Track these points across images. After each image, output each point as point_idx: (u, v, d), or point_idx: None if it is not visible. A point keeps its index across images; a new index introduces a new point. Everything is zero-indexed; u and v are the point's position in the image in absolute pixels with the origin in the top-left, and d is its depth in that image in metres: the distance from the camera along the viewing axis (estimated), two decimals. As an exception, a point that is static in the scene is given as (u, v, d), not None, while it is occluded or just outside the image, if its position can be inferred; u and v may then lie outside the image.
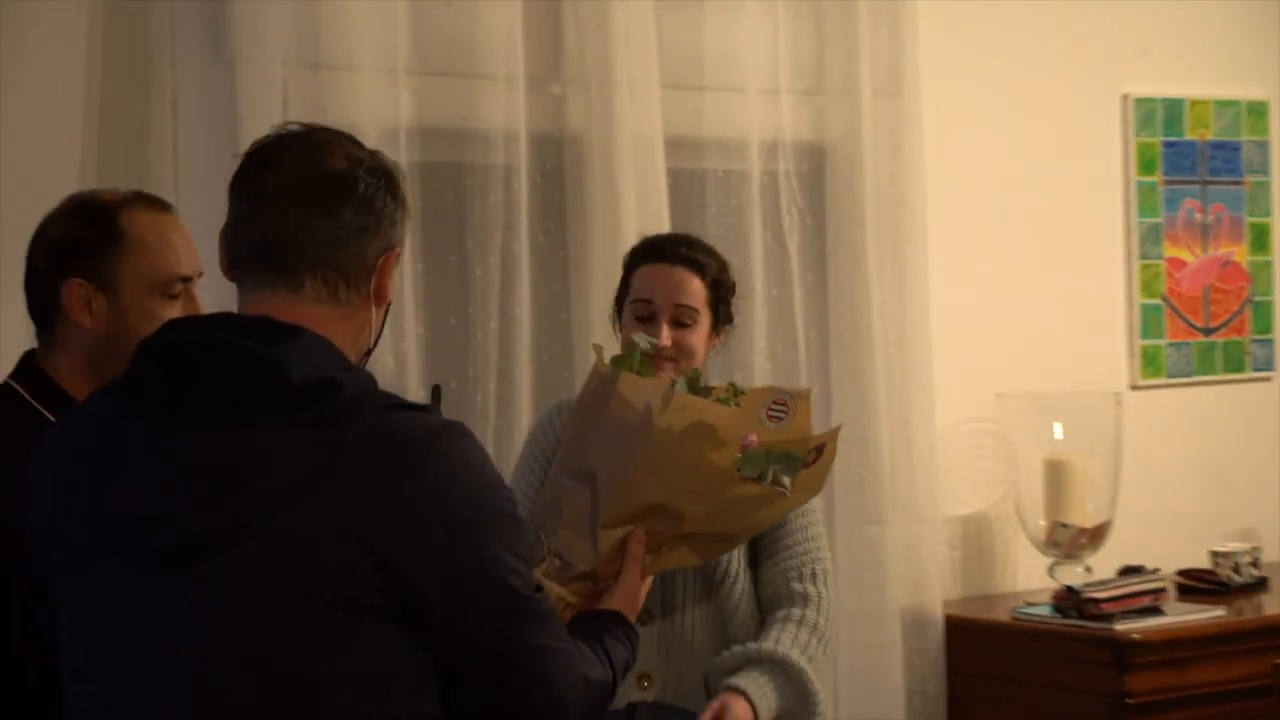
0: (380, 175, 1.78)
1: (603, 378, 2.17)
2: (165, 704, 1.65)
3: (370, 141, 3.06)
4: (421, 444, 1.67)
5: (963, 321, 3.77)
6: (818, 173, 3.59)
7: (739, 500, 2.06)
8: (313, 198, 1.73)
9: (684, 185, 3.49)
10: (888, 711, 3.48)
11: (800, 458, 2.08)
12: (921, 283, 3.60)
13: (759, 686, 2.45)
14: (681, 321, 2.60)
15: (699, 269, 2.64)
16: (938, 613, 3.58)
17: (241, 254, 1.76)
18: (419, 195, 3.12)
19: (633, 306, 2.62)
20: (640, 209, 3.31)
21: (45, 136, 2.90)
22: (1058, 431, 3.68)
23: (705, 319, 2.63)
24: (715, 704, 2.43)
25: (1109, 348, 4.01)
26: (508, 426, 3.22)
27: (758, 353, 3.47)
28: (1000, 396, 3.75)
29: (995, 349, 3.82)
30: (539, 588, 1.76)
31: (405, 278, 3.11)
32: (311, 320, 1.73)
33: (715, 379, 3.38)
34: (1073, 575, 3.61)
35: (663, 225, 3.34)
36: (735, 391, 2.16)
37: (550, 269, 3.32)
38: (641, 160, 3.31)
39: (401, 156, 3.11)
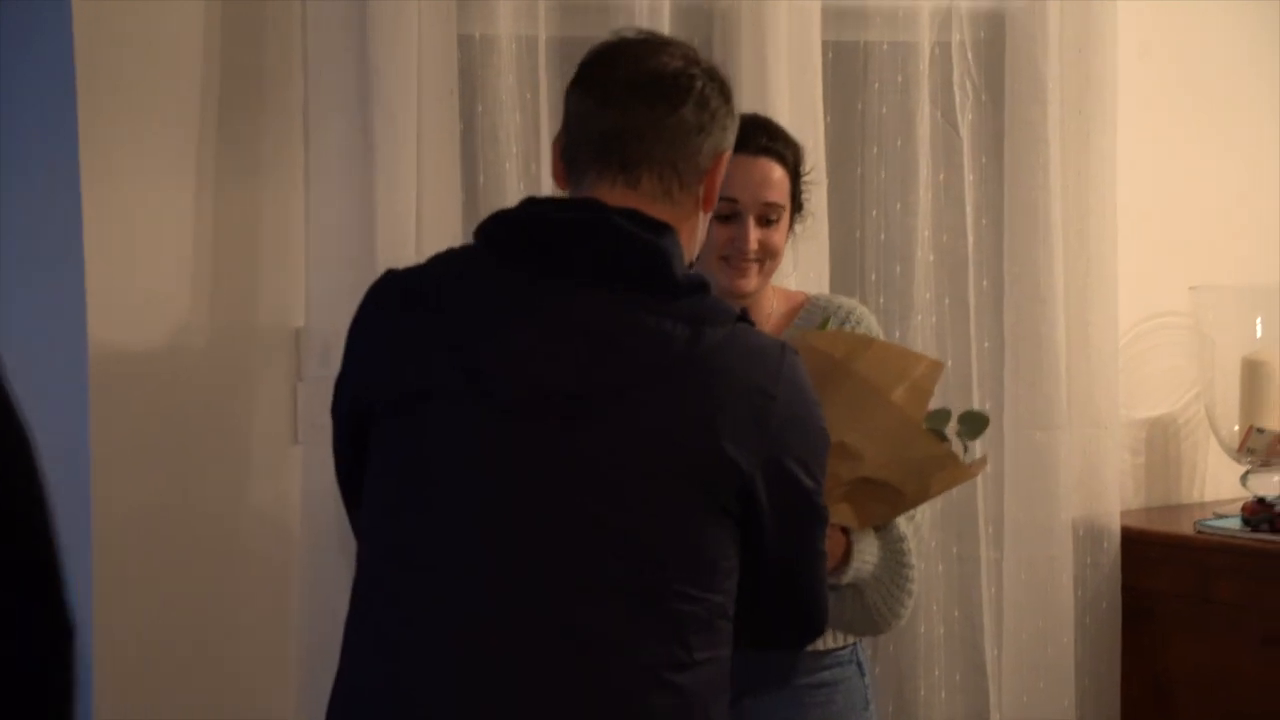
0: (715, 78, 1.92)
1: (815, 332, 2.39)
2: (499, 545, 1.77)
3: (506, 18, 3.08)
4: (774, 358, 1.87)
5: (1154, 207, 3.60)
6: (996, 43, 3.40)
7: (918, 458, 2.26)
8: (655, 94, 1.87)
9: (844, 59, 3.33)
10: (1056, 630, 3.36)
11: (985, 420, 2.33)
12: (1108, 166, 3.41)
13: (863, 533, 2.40)
14: (769, 219, 2.48)
15: (781, 159, 2.51)
16: (1114, 524, 3.45)
17: (583, 150, 1.89)
18: (558, 74, 3.03)
19: (718, 207, 2.46)
20: (794, 87, 3.17)
21: (166, 13, 2.83)
22: (1259, 328, 3.53)
23: (786, 213, 2.52)
24: None
25: None
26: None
27: (922, 243, 3.32)
28: (1195, 289, 3.58)
29: (1190, 237, 3.66)
30: None
31: (542, 166, 3.00)
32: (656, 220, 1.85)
33: (871, 268, 3.31)
34: (1268, 485, 3.46)
35: (817, 105, 3.20)
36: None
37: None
38: (796, 32, 3.16)
39: (540, 31, 3.01)
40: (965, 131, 3.36)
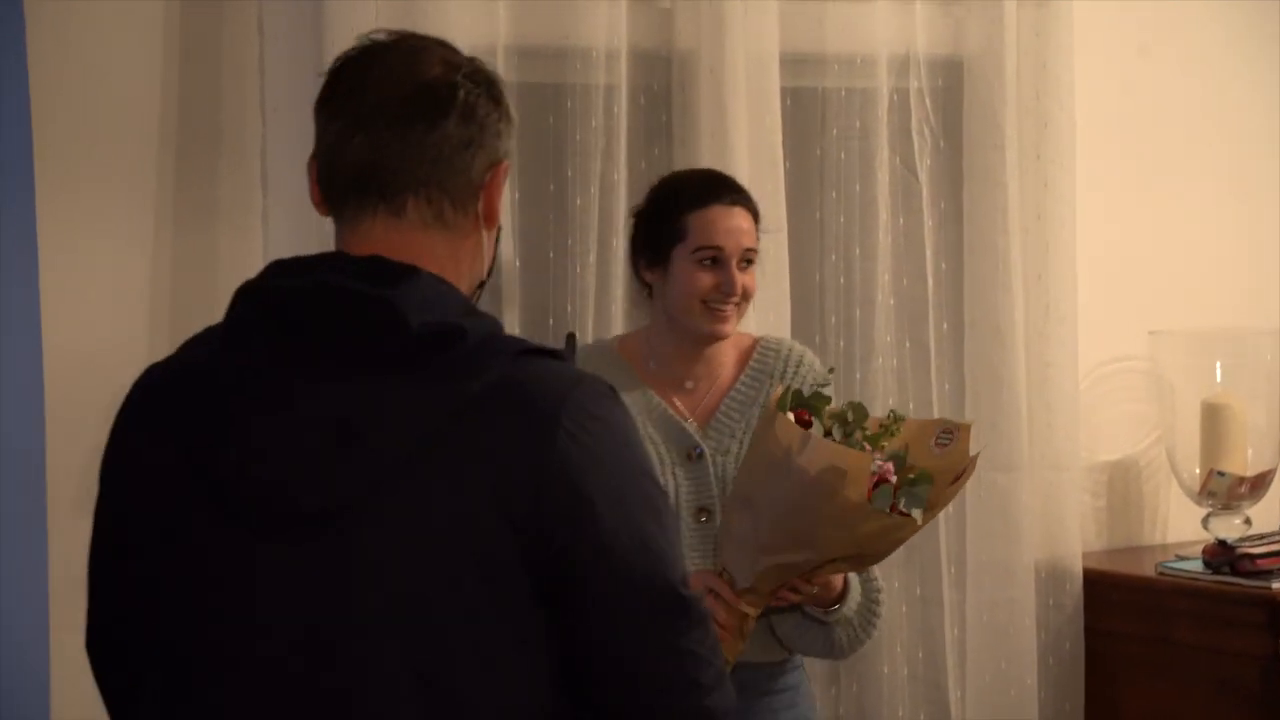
0: (480, 81, 1.71)
1: (769, 414, 2.41)
2: (270, 695, 1.57)
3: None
4: (557, 396, 1.59)
5: (1113, 251, 3.66)
6: (954, 90, 3.47)
7: (873, 531, 2.35)
8: (411, 112, 1.66)
9: (803, 106, 3.39)
10: (1019, 673, 3.41)
11: (928, 485, 2.36)
12: (1066, 209, 3.47)
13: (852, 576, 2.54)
14: (749, 262, 2.66)
15: (750, 208, 2.70)
16: (1076, 566, 3.49)
17: (337, 181, 1.69)
18: (523, 118, 3.07)
19: (697, 254, 2.62)
20: (753, 133, 3.23)
21: (123, 57, 2.90)
22: (1218, 372, 3.58)
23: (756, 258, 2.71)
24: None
25: (1278, 278, 3.85)
26: (605, 366, 3.17)
27: (882, 287, 3.38)
28: (1154, 333, 3.63)
29: (1149, 281, 3.71)
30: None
31: (503, 209, 3.08)
32: (420, 248, 1.66)
33: (831, 312, 3.37)
34: (1229, 528, 3.50)
35: (776, 150, 3.26)
36: (896, 418, 2.40)
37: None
38: (756, 79, 3.22)
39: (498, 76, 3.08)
40: (924, 177, 3.41)
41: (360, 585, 1.56)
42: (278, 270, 1.67)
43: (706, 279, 2.61)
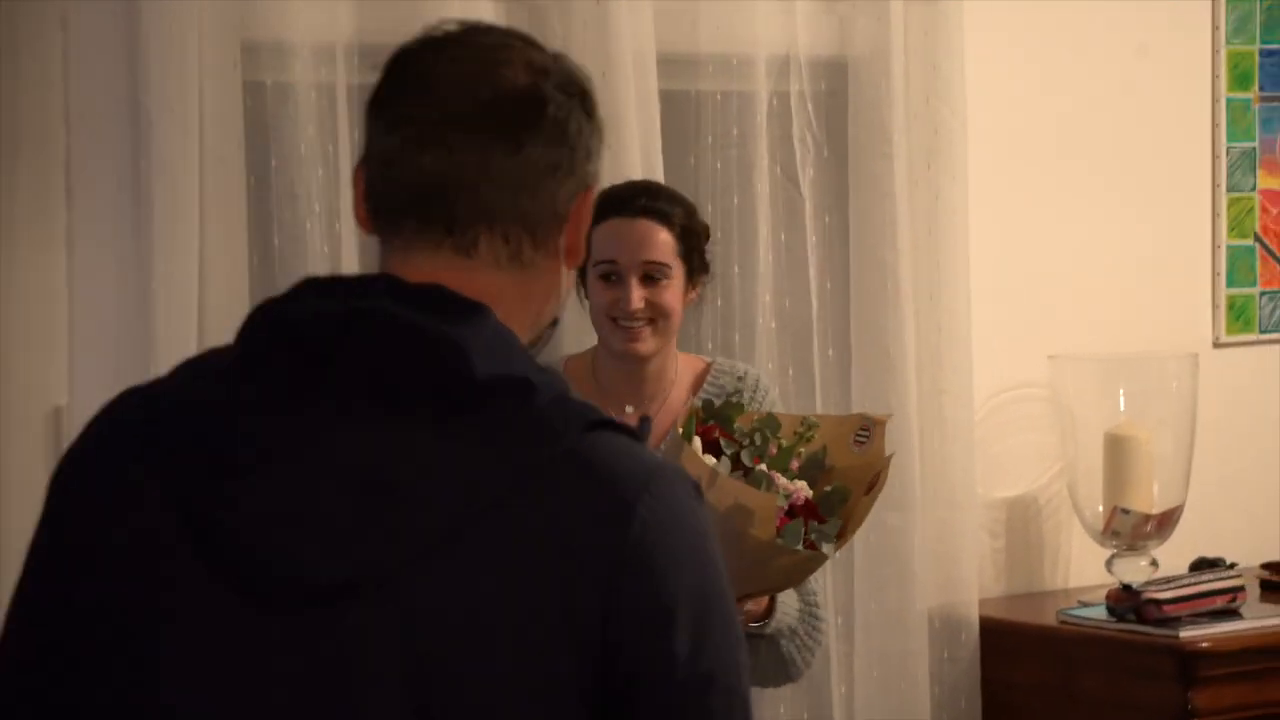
0: (573, 91, 1.45)
1: (676, 440, 2.42)
2: None
3: (305, 64, 2.94)
4: (639, 480, 1.38)
5: (1009, 270, 3.55)
6: (838, 94, 3.34)
7: (785, 565, 2.39)
8: (490, 127, 1.42)
9: (675, 110, 3.22)
10: (911, 729, 3.26)
11: (842, 503, 2.40)
12: (960, 223, 3.36)
13: (784, 595, 2.59)
14: (652, 277, 2.63)
15: (665, 219, 2.66)
16: (972, 614, 3.37)
17: (394, 203, 1.44)
18: (359, 124, 2.89)
19: (596, 268, 2.63)
20: (628, 141, 3.04)
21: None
22: (1122, 401, 3.50)
23: (678, 272, 2.66)
24: None
25: (1187, 299, 3.78)
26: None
27: (763, 309, 3.23)
28: (1054, 359, 3.52)
29: (1048, 302, 3.61)
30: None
31: (344, 223, 2.90)
32: (489, 289, 1.42)
33: (707, 337, 3.22)
34: (1135, 570, 3.40)
35: (656, 158, 3.10)
36: (809, 425, 2.43)
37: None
38: (633, 81, 3.06)
39: (339, 78, 2.90)
40: (807, 188, 3.29)
41: (369, 678, 1.35)
42: (311, 288, 1.43)
43: (606, 294, 2.62)
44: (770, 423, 2.42)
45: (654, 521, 1.37)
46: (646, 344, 2.61)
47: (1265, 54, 3.83)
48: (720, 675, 1.38)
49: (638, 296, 2.59)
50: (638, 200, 2.65)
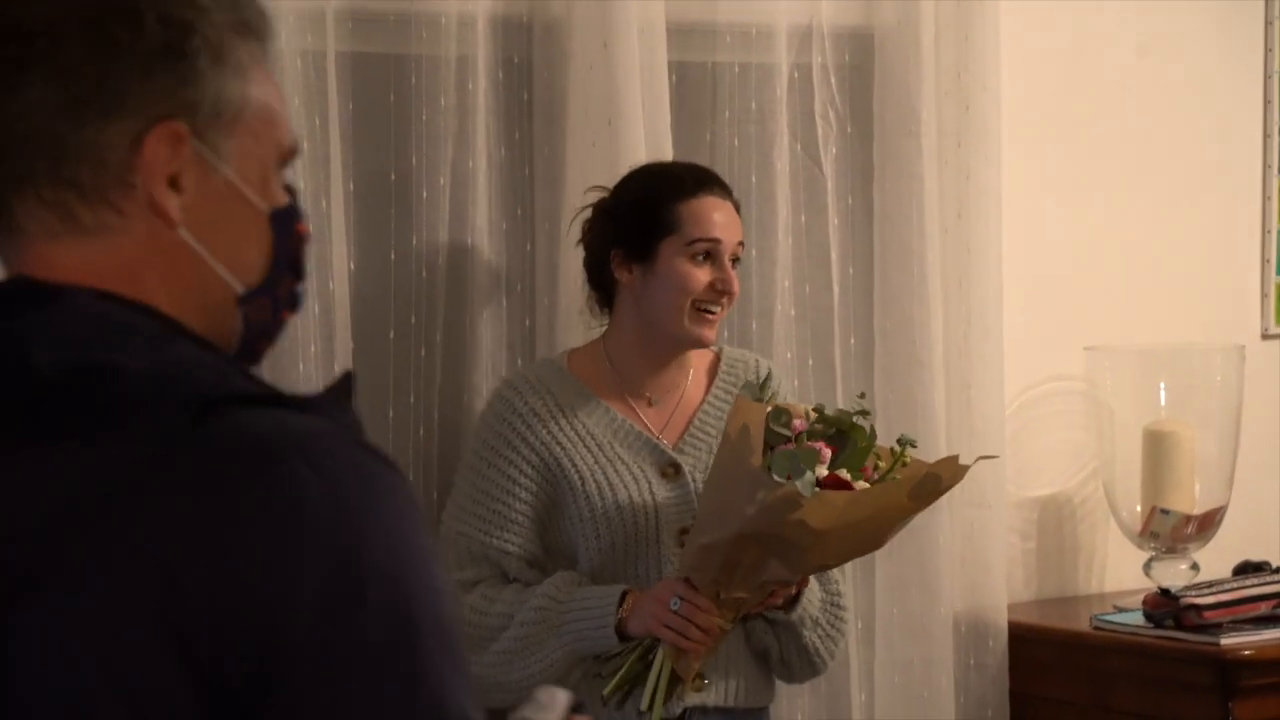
0: (74, 4, 1.22)
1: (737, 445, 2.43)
2: None
3: (288, 28, 2.85)
4: (274, 450, 1.13)
5: (1044, 257, 3.47)
6: (864, 67, 3.24)
7: (769, 502, 2.37)
8: None
9: (691, 83, 3.13)
10: (934, 742, 3.17)
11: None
12: (992, 207, 3.26)
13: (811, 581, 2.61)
14: (736, 259, 2.63)
15: (737, 205, 2.69)
16: (1001, 620, 3.29)
17: None
18: (349, 95, 2.85)
19: (692, 247, 2.58)
20: (630, 114, 2.93)
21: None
22: (1162, 394, 3.41)
23: None
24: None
25: (1233, 288, 3.70)
26: (456, 392, 2.88)
27: (781, 295, 3.12)
28: (1091, 350, 3.44)
29: (1086, 291, 3.53)
30: None
31: (332, 201, 2.80)
32: (63, 268, 1.22)
33: (723, 325, 3.11)
34: (1175, 574, 3.33)
35: (664, 135, 3.00)
36: (903, 448, 2.47)
37: (514, 190, 2.97)
38: (637, 51, 2.95)
39: (328, 45, 2.81)
40: (829, 167, 3.20)
41: None
42: None
43: (702, 275, 2.57)
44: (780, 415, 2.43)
45: (308, 509, 1.13)
46: (714, 330, 2.60)
47: (1320, 27, 3.74)
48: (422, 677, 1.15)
49: (735, 279, 2.58)
50: (719, 184, 2.63)
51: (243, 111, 1.24)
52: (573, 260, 2.82)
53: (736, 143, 3.12)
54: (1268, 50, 3.70)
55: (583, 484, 2.56)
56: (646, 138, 2.97)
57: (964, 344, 3.25)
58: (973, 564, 3.26)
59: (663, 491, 2.59)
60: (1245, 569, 3.30)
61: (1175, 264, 3.62)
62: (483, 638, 2.53)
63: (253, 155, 1.25)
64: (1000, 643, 3.28)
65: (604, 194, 2.67)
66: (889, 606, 3.20)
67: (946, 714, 3.20)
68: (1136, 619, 3.21)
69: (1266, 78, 3.71)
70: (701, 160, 3.14)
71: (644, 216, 2.58)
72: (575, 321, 2.82)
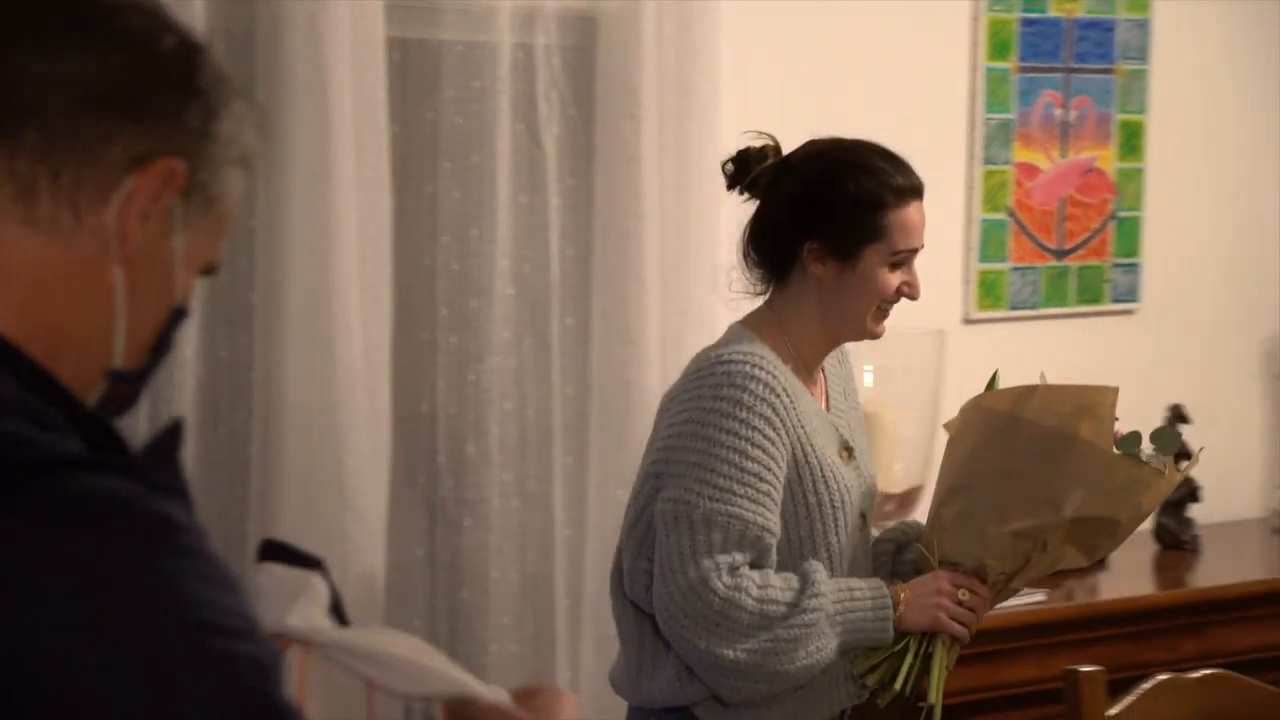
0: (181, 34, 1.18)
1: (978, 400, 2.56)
2: None
3: None
4: (66, 530, 1.04)
5: None
6: (587, 49, 3.21)
7: (1121, 484, 2.44)
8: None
9: (412, 60, 3.09)
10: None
11: (1178, 435, 2.51)
12: (709, 192, 3.23)
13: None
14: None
15: None
16: None
17: None
18: None
19: (895, 256, 2.55)
20: (354, 94, 2.91)
21: None
22: (869, 377, 3.43)
23: None
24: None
25: (938, 273, 3.62)
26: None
27: (500, 274, 3.11)
28: None
29: None
30: None
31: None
32: None
33: (441, 302, 3.10)
34: None
35: (380, 112, 2.97)
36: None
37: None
38: (355, 27, 2.91)
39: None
40: (551, 148, 3.17)
41: None
42: None
43: (895, 280, 2.57)
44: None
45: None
46: (885, 325, 2.63)
47: (1025, 23, 3.79)
48: None
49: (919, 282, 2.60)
50: (920, 182, 2.60)
51: (221, 201, 1.20)
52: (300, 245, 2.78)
53: (459, 121, 3.09)
54: (974, 45, 3.74)
55: (821, 469, 2.51)
56: (357, 112, 2.92)
57: (679, 324, 3.23)
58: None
59: (848, 474, 2.57)
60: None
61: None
62: (755, 625, 2.42)
63: (200, 246, 1.19)
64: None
65: (768, 141, 2.61)
66: (598, 585, 3.13)
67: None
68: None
69: (972, 70, 3.76)
70: (424, 137, 3.13)
71: (856, 220, 2.53)
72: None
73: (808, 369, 2.59)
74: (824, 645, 2.46)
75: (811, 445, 2.51)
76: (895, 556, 2.67)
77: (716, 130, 3.26)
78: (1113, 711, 2.45)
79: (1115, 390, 2.46)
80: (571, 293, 3.22)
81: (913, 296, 2.58)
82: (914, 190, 2.58)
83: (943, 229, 3.73)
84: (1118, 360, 3.84)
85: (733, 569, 2.43)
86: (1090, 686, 2.42)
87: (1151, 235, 3.99)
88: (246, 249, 2.96)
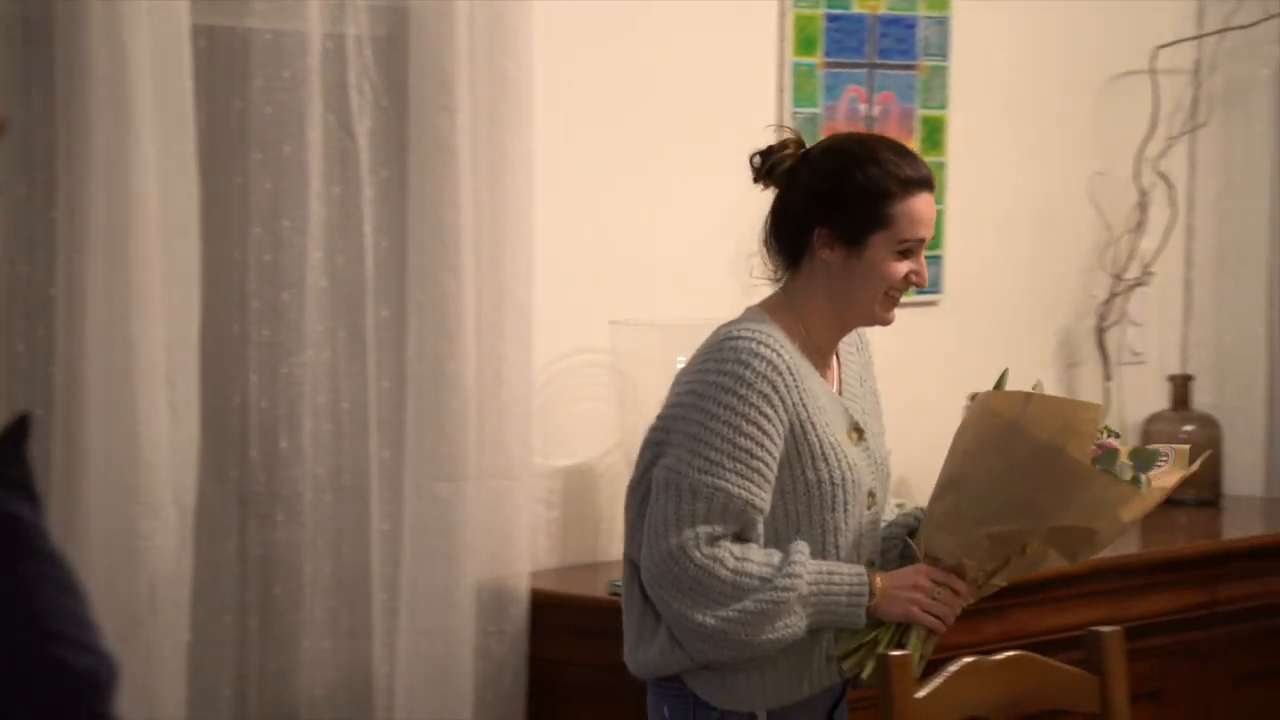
0: None
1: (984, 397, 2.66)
2: None
3: None
4: None
5: (575, 233, 3.47)
6: (398, 40, 3.19)
7: (1099, 500, 2.56)
8: None
9: (220, 48, 3.04)
10: (454, 709, 3.15)
11: (1155, 453, 2.63)
12: (524, 183, 3.26)
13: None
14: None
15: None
16: (523, 587, 3.29)
17: None
18: None
19: (902, 244, 2.65)
20: (158, 79, 2.86)
21: None
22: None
23: None
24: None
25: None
26: None
27: (312, 266, 3.08)
28: (616, 324, 3.46)
29: (613, 266, 3.54)
30: None
31: None
32: None
33: (253, 294, 3.06)
34: None
35: (186, 101, 2.92)
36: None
37: (26, 167, 2.85)
38: (159, 11, 2.87)
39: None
40: (363, 139, 3.15)
41: None
42: None
43: (902, 269, 2.64)
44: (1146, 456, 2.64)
45: None
46: (895, 311, 2.70)
47: (830, 19, 3.84)
48: None
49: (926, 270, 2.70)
50: (930, 173, 2.69)
51: None
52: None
53: (269, 110, 3.06)
54: (781, 40, 3.78)
55: (821, 448, 2.58)
56: (160, 100, 2.87)
57: (496, 316, 3.23)
58: (497, 533, 3.25)
59: (857, 454, 2.64)
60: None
61: (698, 245, 3.63)
62: (727, 594, 2.53)
63: None
64: (521, 610, 3.27)
65: (790, 135, 2.74)
66: (415, 578, 3.16)
67: (465, 681, 3.18)
68: (653, 584, 3.28)
69: (780, 66, 3.79)
70: (231, 127, 3.09)
71: (863, 209, 2.63)
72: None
73: (820, 352, 2.68)
74: (793, 623, 2.56)
75: (813, 424, 2.60)
76: (910, 539, 2.76)
77: (530, 120, 3.27)
78: (921, 694, 2.54)
79: (1099, 407, 2.62)
80: (386, 285, 3.19)
81: (920, 285, 2.70)
82: (921, 182, 2.67)
83: (754, 220, 3.74)
84: (920, 350, 3.92)
85: (712, 539, 2.54)
86: (900, 671, 2.52)
87: (952, 229, 4.06)
88: (46, 240, 2.89)
